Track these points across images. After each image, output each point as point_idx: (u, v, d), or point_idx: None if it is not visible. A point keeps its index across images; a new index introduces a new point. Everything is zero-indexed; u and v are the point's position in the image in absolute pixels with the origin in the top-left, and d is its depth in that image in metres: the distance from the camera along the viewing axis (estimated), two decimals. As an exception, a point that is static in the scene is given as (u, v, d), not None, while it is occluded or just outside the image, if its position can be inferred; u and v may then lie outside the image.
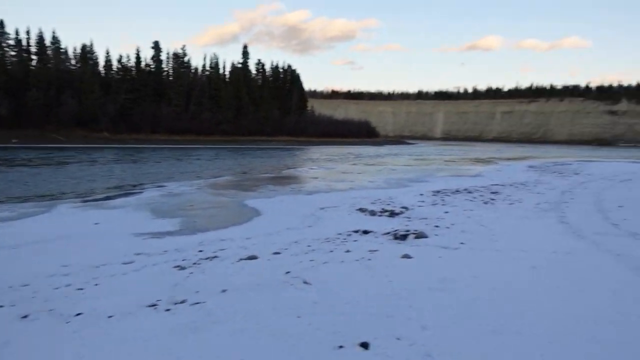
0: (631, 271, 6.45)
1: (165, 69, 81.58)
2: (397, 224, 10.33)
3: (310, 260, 6.94)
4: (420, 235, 8.84)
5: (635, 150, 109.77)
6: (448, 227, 9.86)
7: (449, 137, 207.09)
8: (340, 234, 9.41)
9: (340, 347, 3.94)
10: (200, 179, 22.29)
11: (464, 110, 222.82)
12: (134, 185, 18.91)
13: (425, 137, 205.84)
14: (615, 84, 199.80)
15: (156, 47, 79.13)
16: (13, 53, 65.68)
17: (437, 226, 10.00)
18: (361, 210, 12.42)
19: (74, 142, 54.18)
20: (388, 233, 9.27)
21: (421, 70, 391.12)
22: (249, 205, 13.72)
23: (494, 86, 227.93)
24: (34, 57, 67.47)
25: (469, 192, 16.82)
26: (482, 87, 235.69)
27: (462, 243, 8.21)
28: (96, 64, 75.47)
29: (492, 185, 19.96)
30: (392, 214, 11.78)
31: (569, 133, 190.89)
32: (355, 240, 8.66)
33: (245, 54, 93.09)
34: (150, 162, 32.95)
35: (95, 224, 10.64)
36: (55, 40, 70.15)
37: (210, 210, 13.22)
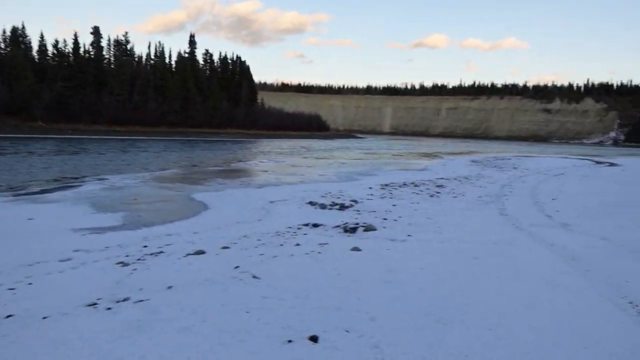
0: (563, 260, 6.88)
1: (107, 57, 77.74)
2: (347, 217, 10.45)
3: (260, 255, 6.87)
4: (369, 228, 8.98)
5: (567, 147, 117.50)
6: (396, 220, 10.10)
7: (397, 132, 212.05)
8: (290, 227, 9.38)
9: (290, 341, 3.92)
10: (145, 171, 21.45)
11: (412, 105, 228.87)
12: (75, 178, 17.90)
13: (374, 132, 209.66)
14: (549, 84, 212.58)
15: (96, 32, 75.14)
16: None
17: (385, 219, 10.21)
18: (311, 203, 12.45)
19: (4, 131, 50.43)
20: (338, 226, 9.35)
21: (370, 66, 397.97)
22: (197, 199, 13.37)
23: (439, 83, 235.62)
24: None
25: (416, 186, 17.31)
26: (428, 83, 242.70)
27: (409, 235, 8.43)
28: (29, 48, 70.60)
29: (438, 179, 20.64)
30: (342, 207, 11.90)
31: (509, 129, 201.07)
32: (305, 234, 8.67)
33: (192, 43, 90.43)
34: (94, 154, 31.30)
35: (29, 219, 9.96)
36: (-18, 21, 64.91)
37: (156, 204, 12.76)
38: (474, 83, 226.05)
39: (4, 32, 68.74)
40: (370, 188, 16.26)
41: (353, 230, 8.93)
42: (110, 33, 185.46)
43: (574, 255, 7.11)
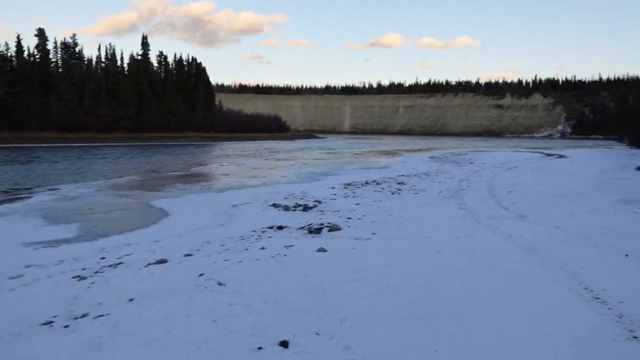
0: (521, 250, 7.13)
1: (54, 60, 74.15)
2: (311, 218, 10.42)
3: (225, 260, 6.72)
4: (334, 228, 8.99)
5: (519, 140, 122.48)
6: (360, 219, 10.16)
7: (356, 131, 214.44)
8: (254, 231, 9.26)
9: (260, 348, 3.84)
10: (101, 179, 20.63)
11: (370, 104, 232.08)
12: (25, 189, 16.97)
13: (334, 131, 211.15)
14: (500, 80, 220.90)
15: (41, 34, 71.61)
16: None
17: (349, 218, 10.25)
18: (275, 205, 12.35)
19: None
20: (303, 227, 9.30)
21: (328, 66, 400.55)
22: (156, 206, 12.98)
23: (396, 81, 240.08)
24: None
25: (378, 184, 17.52)
26: (385, 82, 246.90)
27: (373, 233, 8.50)
28: (-34, 52, 66.37)
29: (399, 176, 21.00)
30: (306, 208, 11.86)
31: (463, 125, 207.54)
32: (270, 237, 8.57)
33: (145, 45, 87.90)
34: (47, 162, 29.80)
35: (-27, 235, 9.34)
36: None
37: (113, 213, 12.28)
38: (430, 81, 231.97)
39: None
40: (333, 188, 16.32)
41: (318, 230, 8.91)
42: (57, 35, 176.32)
43: (531, 245, 7.38)
